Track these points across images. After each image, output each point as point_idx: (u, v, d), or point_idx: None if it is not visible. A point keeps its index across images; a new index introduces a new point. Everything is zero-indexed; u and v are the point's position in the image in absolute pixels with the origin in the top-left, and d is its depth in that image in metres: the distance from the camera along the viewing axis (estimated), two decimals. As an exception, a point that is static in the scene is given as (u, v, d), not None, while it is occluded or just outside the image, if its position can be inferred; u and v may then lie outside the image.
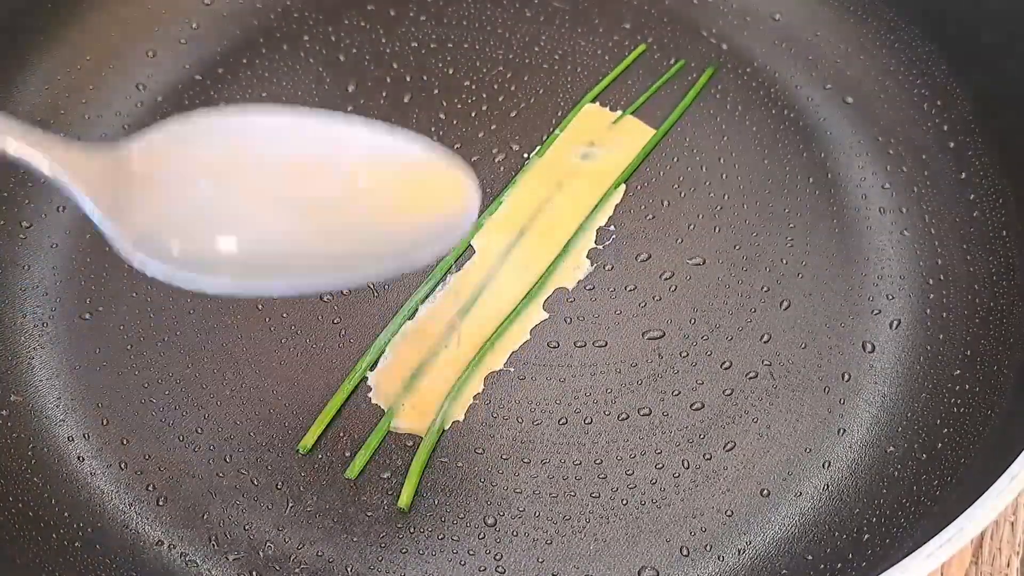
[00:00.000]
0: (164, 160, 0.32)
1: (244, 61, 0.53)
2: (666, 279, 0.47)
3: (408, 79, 0.52)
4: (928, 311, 0.46)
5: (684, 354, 0.45)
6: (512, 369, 0.45)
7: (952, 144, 0.49)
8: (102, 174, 0.31)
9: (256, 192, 0.33)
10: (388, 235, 0.34)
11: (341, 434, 0.43)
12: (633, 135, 0.51)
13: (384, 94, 0.52)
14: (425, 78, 0.52)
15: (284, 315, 0.46)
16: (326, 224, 0.34)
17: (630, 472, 0.43)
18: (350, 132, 0.35)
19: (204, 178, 0.33)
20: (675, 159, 0.50)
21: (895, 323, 0.46)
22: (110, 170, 0.32)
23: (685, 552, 0.41)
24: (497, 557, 0.41)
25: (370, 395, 0.44)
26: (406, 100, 0.52)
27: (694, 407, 0.44)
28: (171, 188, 0.32)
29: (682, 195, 0.49)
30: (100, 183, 0.31)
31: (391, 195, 0.35)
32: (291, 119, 0.34)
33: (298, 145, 0.34)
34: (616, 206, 0.49)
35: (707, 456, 0.43)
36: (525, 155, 0.50)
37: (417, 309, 0.46)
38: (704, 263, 0.47)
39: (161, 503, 0.42)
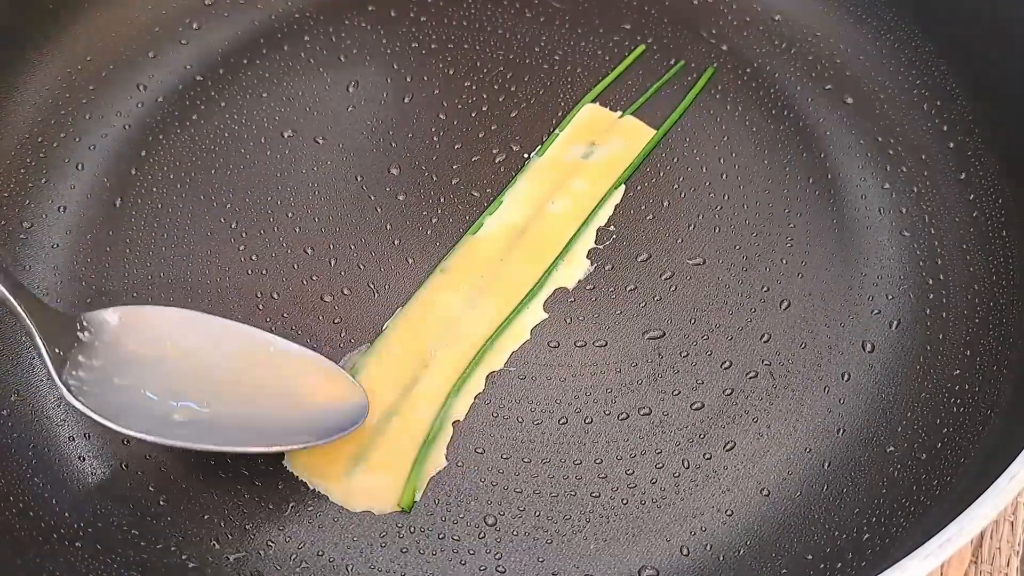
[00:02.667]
0: (107, 336, 0.41)
1: (244, 61, 0.53)
2: (666, 279, 0.47)
3: (408, 79, 0.52)
4: (928, 311, 0.46)
5: (684, 354, 0.45)
6: (512, 369, 0.45)
7: (952, 144, 0.49)
8: (60, 332, 0.40)
9: (182, 370, 0.41)
10: (286, 412, 0.42)
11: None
12: (633, 135, 0.51)
13: (384, 94, 0.52)
14: (425, 78, 0.52)
15: (284, 315, 0.46)
16: (228, 405, 0.41)
17: (630, 472, 0.43)
18: (250, 334, 0.43)
19: (129, 357, 0.41)
20: (675, 159, 0.50)
21: (895, 323, 0.46)
22: (67, 331, 0.40)
23: (685, 552, 0.41)
24: (497, 557, 0.41)
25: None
26: (406, 100, 0.52)
27: (694, 407, 0.44)
28: (108, 355, 0.41)
29: (682, 195, 0.49)
30: (57, 338, 0.40)
31: (288, 380, 0.42)
32: (206, 320, 0.43)
33: (228, 339, 0.42)
34: (616, 206, 0.49)
35: (707, 456, 0.43)
36: (525, 155, 0.50)
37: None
38: (704, 263, 0.47)
39: (161, 503, 0.42)
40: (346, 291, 0.47)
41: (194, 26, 0.53)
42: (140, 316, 0.42)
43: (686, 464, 0.43)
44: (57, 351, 0.40)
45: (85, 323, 0.41)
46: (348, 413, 0.42)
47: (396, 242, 0.48)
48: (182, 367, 0.41)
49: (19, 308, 0.39)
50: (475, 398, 0.44)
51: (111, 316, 0.41)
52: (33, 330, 0.39)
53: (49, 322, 0.40)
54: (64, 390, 0.39)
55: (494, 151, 0.50)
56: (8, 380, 0.44)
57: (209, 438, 0.40)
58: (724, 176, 0.50)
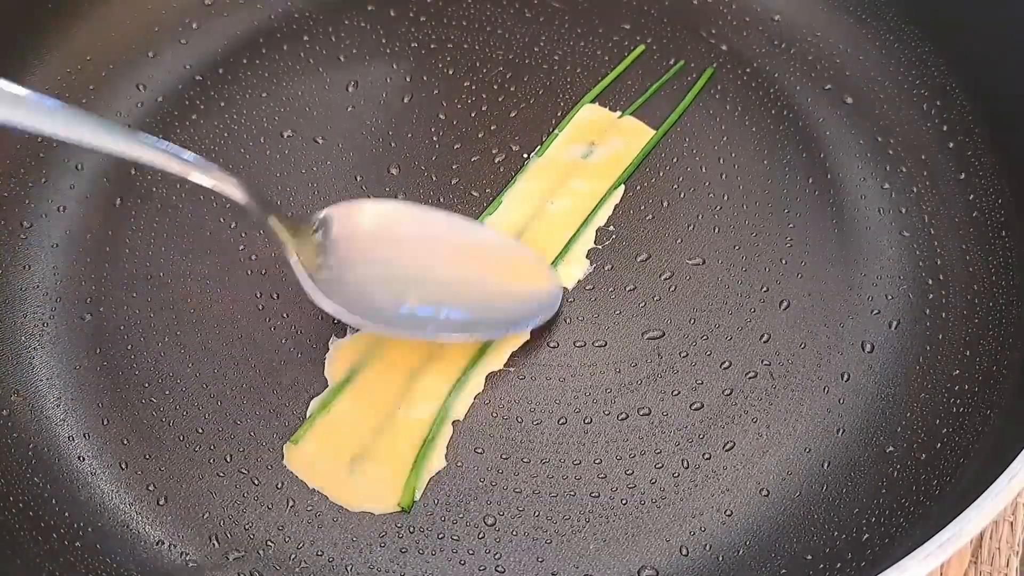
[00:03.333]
0: (345, 230, 0.44)
1: (244, 61, 0.53)
2: (666, 279, 0.47)
3: (408, 79, 0.52)
4: (928, 311, 0.46)
5: (684, 354, 0.45)
6: (512, 369, 0.45)
7: (952, 144, 0.49)
8: (301, 239, 0.42)
9: (405, 265, 0.44)
10: (498, 305, 0.45)
11: (341, 434, 0.43)
12: (633, 135, 0.51)
13: (384, 94, 0.52)
14: (425, 78, 0.52)
15: (285, 315, 0.46)
16: (456, 293, 0.44)
17: (630, 472, 0.43)
18: (469, 226, 0.47)
19: (370, 251, 0.44)
20: (675, 159, 0.50)
21: (894, 323, 0.46)
22: (305, 236, 0.42)
23: (685, 552, 0.41)
24: (496, 557, 0.41)
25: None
26: (406, 100, 0.52)
27: (694, 407, 0.44)
28: (350, 254, 0.43)
29: (682, 195, 0.49)
30: (300, 247, 0.42)
31: (502, 271, 0.46)
32: (428, 212, 0.46)
33: (437, 231, 0.45)
34: (616, 206, 0.49)
35: (707, 456, 0.43)
36: (525, 155, 0.50)
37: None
38: (704, 263, 0.47)
39: (161, 503, 0.42)
40: (346, 291, 0.47)
41: (194, 26, 0.54)
42: (360, 211, 0.44)
43: (685, 464, 0.43)
44: (304, 261, 0.42)
45: (316, 224, 0.43)
46: (547, 300, 0.45)
47: (396, 242, 0.48)
48: (401, 263, 0.44)
49: (276, 226, 0.40)
50: (475, 398, 0.44)
51: (336, 213, 0.43)
52: (292, 251, 0.41)
53: (296, 232, 0.41)
54: (320, 296, 0.42)
55: (494, 151, 0.50)
56: (8, 380, 0.45)
57: (432, 328, 0.43)
58: (724, 176, 0.50)
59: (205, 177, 0.38)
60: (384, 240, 0.44)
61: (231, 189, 0.39)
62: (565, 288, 0.46)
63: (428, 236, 0.45)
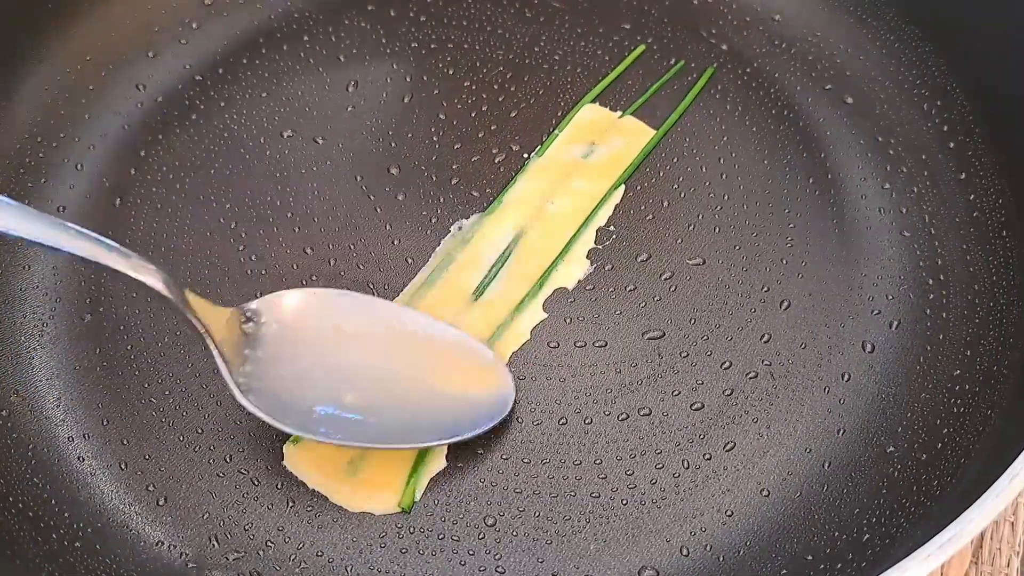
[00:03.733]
0: (277, 322, 0.42)
1: (244, 61, 0.53)
2: (666, 279, 0.47)
3: (408, 79, 0.52)
4: (928, 311, 0.46)
5: (684, 354, 0.45)
6: (512, 369, 0.45)
7: (952, 144, 0.49)
8: (227, 330, 0.40)
9: (336, 362, 0.42)
10: (440, 408, 0.42)
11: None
12: (633, 135, 0.51)
13: (384, 94, 0.52)
14: (425, 78, 0.52)
15: (284, 315, 0.46)
16: (392, 394, 0.42)
17: (630, 472, 0.43)
18: (411, 316, 0.44)
19: (301, 344, 0.42)
20: (675, 159, 0.50)
21: (895, 323, 0.46)
22: (232, 326, 0.40)
23: (685, 552, 0.41)
24: (497, 557, 0.41)
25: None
26: (406, 100, 0.52)
27: (694, 407, 0.44)
28: (278, 348, 0.41)
29: (682, 195, 0.49)
30: (225, 336, 0.40)
31: (442, 371, 0.43)
32: (371, 304, 0.44)
33: (378, 325, 0.43)
34: (616, 206, 0.49)
35: (707, 456, 0.43)
36: (525, 155, 0.50)
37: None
38: (704, 263, 0.47)
39: (161, 503, 0.42)
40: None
41: (194, 26, 0.53)
42: (295, 302, 0.42)
43: (686, 464, 0.43)
44: (226, 352, 0.39)
45: (247, 315, 0.41)
46: (495, 404, 0.43)
47: (396, 242, 0.48)
48: (336, 359, 0.42)
49: (193, 316, 0.38)
50: (475, 398, 0.44)
51: (269, 304, 0.42)
52: (210, 340, 0.39)
53: (219, 323, 0.39)
54: (236, 392, 0.39)
55: (494, 151, 0.50)
56: (8, 380, 0.45)
57: (363, 437, 0.41)
58: (724, 176, 0.50)
59: (122, 262, 0.36)
60: (316, 334, 0.42)
61: (150, 279, 0.37)
62: (564, 288, 0.46)
63: (366, 331, 0.43)
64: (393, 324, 0.43)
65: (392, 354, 0.43)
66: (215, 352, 0.39)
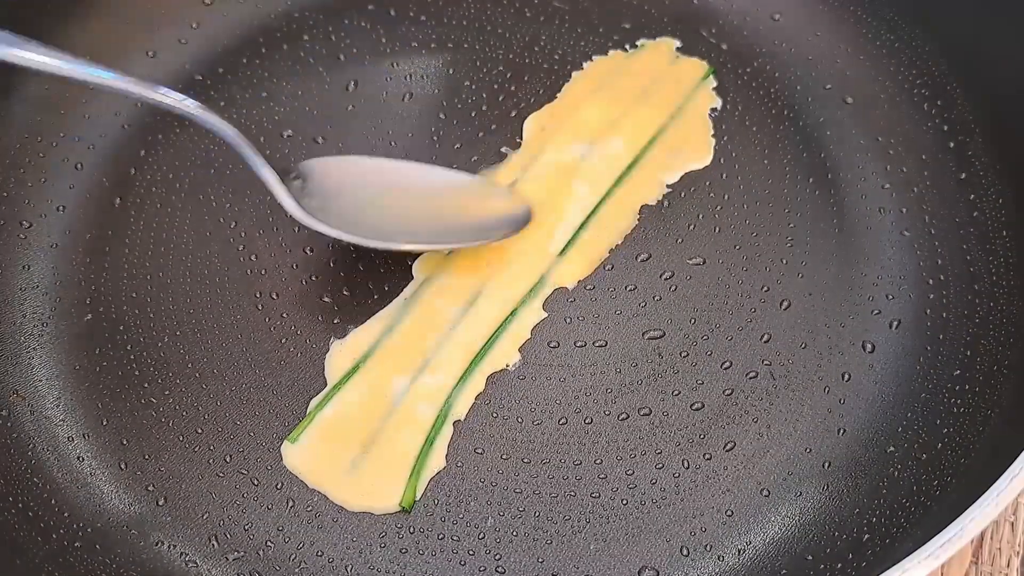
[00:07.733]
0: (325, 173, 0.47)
1: (244, 61, 0.53)
2: (666, 279, 0.47)
3: (408, 79, 0.52)
4: (928, 311, 0.46)
5: (684, 354, 0.45)
6: (513, 369, 0.45)
7: (952, 144, 0.49)
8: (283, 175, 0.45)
9: (377, 195, 0.47)
10: (466, 221, 0.48)
11: (341, 434, 0.43)
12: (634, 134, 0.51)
13: (384, 94, 0.52)
14: (425, 78, 0.52)
15: (284, 315, 0.46)
16: (428, 213, 0.47)
17: (630, 472, 0.43)
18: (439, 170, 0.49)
19: (345, 187, 0.47)
20: (675, 159, 0.50)
21: (895, 323, 0.46)
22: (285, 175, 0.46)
23: (685, 552, 0.41)
24: (497, 557, 0.41)
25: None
26: (406, 100, 0.52)
27: (694, 407, 0.44)
28: (329, 187, 0.47)
29: (682, 195, 0.49)
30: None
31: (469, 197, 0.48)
32: (399, 163, 0.49)
33: (408, 176, 0.49)
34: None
35: (707, 456, 0.43)
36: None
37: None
38: (704, 263, 0.47)
39: (161, 503, 0.42)
40: (346, 291, 0.47)
41: (194, 26, 0.53)
42: (337, 163, 0.48)
43: (686, 464, 0.43)
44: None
45: (295, 172, 0.46)
46: (518, 218, 0.47)
47: (396, 242, 0.48)
48: (376, 195, 0.47)
49: (259, 162, 0.44)
50: (475, 398, 0.44)
51: (314, 164, 0.47)
52: (270, 177, 0.44)
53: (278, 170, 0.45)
54: (303, 213, 0.44)
55: (494, 151, 0.50)
56: (8, 380, 0.45)
57: (402, 239, 0.46)
58: (724, 176, 0.50)
59: (207, 116, 0.43)
60: (359, 183, 0.47)
61: (226, 129, 0.43)
62: (564, 288, 0.46)
63: (400, 175, 0.48)
64: (424, 170, 0.48)
65: (424, 189, 0.48)
66: (282, 190, 0.44)
